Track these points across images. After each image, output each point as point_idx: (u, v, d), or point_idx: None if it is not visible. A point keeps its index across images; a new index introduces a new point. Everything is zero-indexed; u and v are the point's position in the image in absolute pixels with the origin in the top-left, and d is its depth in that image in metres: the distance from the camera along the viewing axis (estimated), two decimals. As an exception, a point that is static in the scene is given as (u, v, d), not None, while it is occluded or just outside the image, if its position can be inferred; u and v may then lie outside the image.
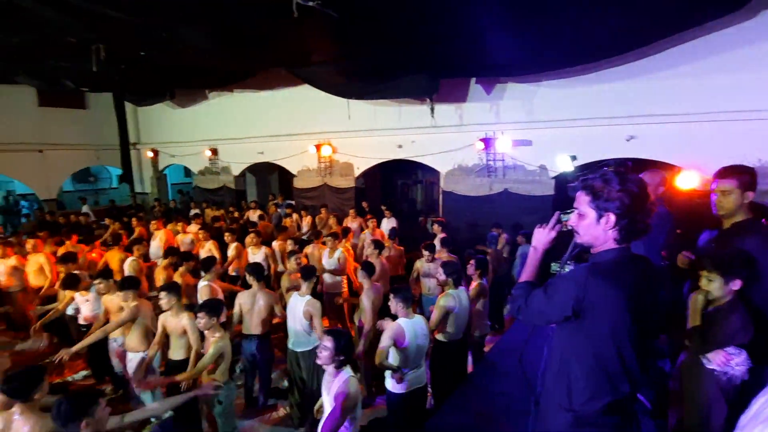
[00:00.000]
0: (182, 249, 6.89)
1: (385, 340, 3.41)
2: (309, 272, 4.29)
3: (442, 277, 4.15)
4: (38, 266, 6.19)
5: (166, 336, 4.08)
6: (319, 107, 10.60)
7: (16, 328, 6.48)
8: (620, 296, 1.52)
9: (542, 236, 1.85)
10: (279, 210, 10.92)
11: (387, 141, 10.09)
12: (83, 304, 4.92)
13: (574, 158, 6.98)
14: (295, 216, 9.59)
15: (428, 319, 3.89)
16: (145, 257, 6.66)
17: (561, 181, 8.12)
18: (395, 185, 14.44)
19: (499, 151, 8.57)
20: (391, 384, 3.52)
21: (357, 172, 10.85)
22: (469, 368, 4.68)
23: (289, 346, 4.32)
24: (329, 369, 2.66)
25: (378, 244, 5.77)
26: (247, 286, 4.61)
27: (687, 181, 6.40)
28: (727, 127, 6.52)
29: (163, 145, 14.47)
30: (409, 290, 3.67)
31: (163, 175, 15.46)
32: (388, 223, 8.40)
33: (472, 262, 4.70)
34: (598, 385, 1.58)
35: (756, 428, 1.08)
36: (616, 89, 7.39)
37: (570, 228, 1.74)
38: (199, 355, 3.74)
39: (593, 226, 1.60)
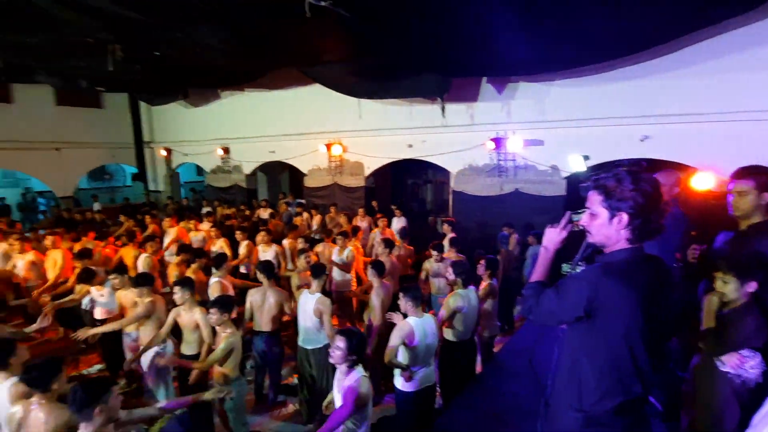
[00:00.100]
0: (194, 246, 6.98)
1: (394, 339, 3.42)
2: (319, 270, 4.33)
3: (452, 276, 4.15)
4: (56, 262, 6.33)
5: (178, 331, 4.15)
6: (329, 107, 10.64)
7: (34, 322, 6.62)
8: (632, 296, 1.50)
9: (553, 236, 1.84)
10: (290, 209, 11.00)
11: (397, 140, 10.10)
12: (99, 299, 5.02)
13: (586, 158, 6.90)
14: (305, 215, 9.65)
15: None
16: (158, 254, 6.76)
17: (573, 181, 8.04)
18: (405, 185, 14.44)
19: (510, 151, 8.53)
20: (400, 382, 3.53)
21: (367, 172, 10.88)
22: (478, 368, 4.66)
23: (300, 343, 4.36)
24: (341, 368, 2.69)
25: (388, 243, 5.79)
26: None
27: (702, 182, 6.29)
28: (744, 127, 6.40)
29: (176, 144, 14.66)
30: (418, 289, 3.68)
31: (176, 173, 15.67)
32: (398, 223, 8.41)
33: (482, 262, 4.68)
34: (610, 385, 1.57)
35: None
36: (630, 88, 7.30)
37: (581, 228, 1.72)
38: (210, 350, 3.80)
39: (605, 226, 1.59)
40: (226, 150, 13.14)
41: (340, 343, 2.62)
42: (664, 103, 7.03)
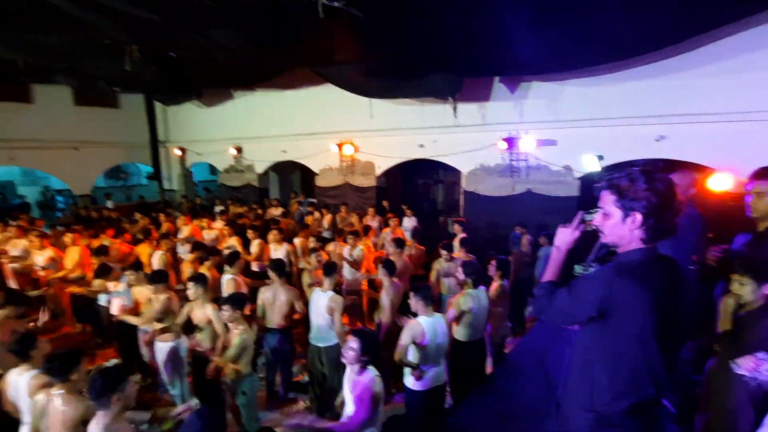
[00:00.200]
0: (207, 244, 7.08)
1: (404, 338, 3.44)
2: (331, 269, 4.36)
3: (461, 276, 4.14)
4: (74, 258, 6.48)
5: (190, 327, 4.22)
6: (341, 106, 10.69)
7: (53, 316, 6.79)
8: (646, 297, 1.49)
9: (565, 236, 1.83)
10: (301, 208, 11.08)
11: (409, 140, 10.10)
12: (115, 295, 5.12)
13: (600, 158, 6.84)
14: (316, 214, 9.71)
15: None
16: (172, 251, 6.89)
17: (586, 181, 7.96)
18: (416, 185, 14.43)
19: (522, 151, 8.47)
20: (410, 381, 3.54)
21: (378, 172, 10.90)
22: (489, 369, 4.64)
23: (311, 341, 4.39)
24: (354, 368, 2.71)
25: (399, 243, 5.79)
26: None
27: (719, 183, 6.17)
28: (762, 127, 6.26)
29: (190, 144, 14.88)
30: (429, 288, 3.68)
31: (190, 172, 15.90)
32: (408, 223, 8.42)
33: (493, 262, 4.65)
34: (622, 385, 1.56)
35: None
36: (645, 87, 7.19)
37: (594, 228, 1.71)
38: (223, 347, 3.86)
39: (619, 226, 1.58)
40: (239, 149, 13.29)
41: (354, 343, 2.64)
42: (680, 102, 6.91)
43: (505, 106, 8.71)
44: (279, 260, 4.85)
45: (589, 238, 1.83)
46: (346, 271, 6.13)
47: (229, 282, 4.92)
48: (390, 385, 4.73)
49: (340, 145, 10.89)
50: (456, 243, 6.13)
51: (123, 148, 14.71)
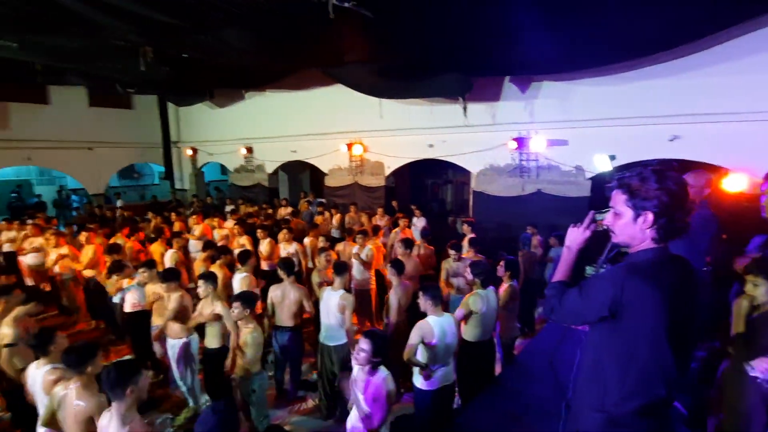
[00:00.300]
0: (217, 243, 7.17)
1: (413, 338, 3.44)
2: (341, 268, 4.39)
3: (470, 276, 4.13)
4: (89, 256, 6.61)
5: (201, 324, 4.28)
6: (351, 107, 10.73)
7: (68, 313, 6.95)
8: (658, 297, 1.48)
9: (576, 236, 1.82)
10: (311, 208, 11.14)
11: (418, 140, 10.10)
12: (129, 293, 5.21)
13: (612, 158, 6.75)
14: (326, 213, 9.76)
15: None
16: (185, 250, 6.98)
17: (597, 182, 7.88)
18: (425, 185, 14.42)
19: (532, 151, 8.42)
20: (419, 381, 3.54)
21: (387, 171, 10.92)
22: (498, 370, 4.63)
23: (321, 340, 4.42)
24: (365, 368, 2.73)
25: (408, 243, 5.79)
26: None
27: (734, 184, 6.07)
28: (779, 126, 6.14)
29: (201, 144, 15.06)
30: (438, 288, 3.68)
31: (201, 172, 16.09)
32: (418, 223, 8.42)
33: (501, 263, 4.63)
34: (633, 386, 1.55)
35: None
36: (658, 87, 7.10)
37: (605, 227, 1.70)
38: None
39: (630, 226, 1.57)
40: (250, 149, 13.41)
41: (365, 345, 2.66)
42: (694, 102, 6.81)
43: (516, 106, 8.67)
44: (288, 259, 4.89)
45: (600, 238, 1.82)
46: (356, 271, 6.16)
47: (243, 280, 4.97)
48: (399, 384, 4.74)
49: (349, 145, 10.93)
50: (465, 243, 6.12)
51: (136, 149, 14.94)
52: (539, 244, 6.89)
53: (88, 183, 13.87)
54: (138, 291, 5.03)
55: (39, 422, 2.90)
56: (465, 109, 8.50)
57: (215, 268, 5.39)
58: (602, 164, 6.97)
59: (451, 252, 5.57)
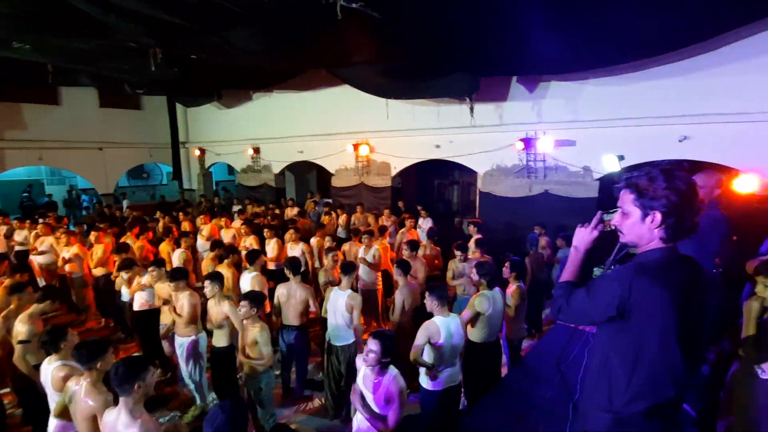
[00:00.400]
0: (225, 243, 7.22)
1: (420, 338, 3.44)
2: (348, 268, 4.41)
3: (476, 277, 4.11)
4: (99, 255, 6.69)
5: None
6: (357, 107, 10.76)
7: (78, 311, 7.03)
8: (666, 296, 1.47)
9: (584, 236, 1.81)
10: (317, 208, 11.19)
11: (425, 141, 10.10)
12: (138, 292, 5.26)
13: (621, 158, 6.69)
14: (332, 214, 9.80)
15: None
16: (192, 249, 7.04)
17: (605, 182, 7.82)
18: (431, 185, 14.39)
19: (540, 152, 8.38)
20: (425, 381, 3.54)
21: (394, 172, 10.92)
22: (504, 371, 4.61)
23: (328, 340, 4.43)
24: (374, 369, 2.73)
25: (413, 245, 5.78)
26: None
27: (745, 185, 5.99)
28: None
29: (209, 144, 15.18)
30: (444, 288, 3.68)
31: (209, 172, 16.21)
32: (424, 223, 8.41)
33: (507, 264, 4.61)
34: (641, 387, 1.54)
35: None
36: (668, 87, 7.03)
37: (613, 227, 1.69)
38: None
39: (638, 225, 1.56)
40: (257, 150, 13.50)
41: (374, 346, 2.67)
42: (704, 102, 6.73)
43: (523, 106, 8.63)
44: (295, 258, 4.91)
45: (608, 239, 1.81)
46: (362, 271, 6.17)
47: (254, 279, 4.99)
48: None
49: (356, 146, 10.95)
50: (471, 244, 6.10)
51: (145, 149, 15.11)
52: (547, 245, 6.85)
53: (98, 183, 14.04)
54: (148, 290, 5.09)
55: (51, 414, 2.95)
56: (472, 109, 8.48)
57: (223, 268, 5.43)
58: (611, 164, 6.91)
59: (457, 253, 5.56)
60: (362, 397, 2.78)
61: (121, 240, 7.10)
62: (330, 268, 5.58)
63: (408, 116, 10.20)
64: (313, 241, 7.16)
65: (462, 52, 6.34)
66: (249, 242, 7.07)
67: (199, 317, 4.36)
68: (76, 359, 2.73)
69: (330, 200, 12.10)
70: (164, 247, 7.01)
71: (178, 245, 6.81)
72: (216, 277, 4.27)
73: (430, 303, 3.55)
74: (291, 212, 10.40)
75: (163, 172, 18.61)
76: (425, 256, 6.13)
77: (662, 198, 1.49)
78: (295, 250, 6.73)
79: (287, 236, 6.96)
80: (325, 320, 4.53)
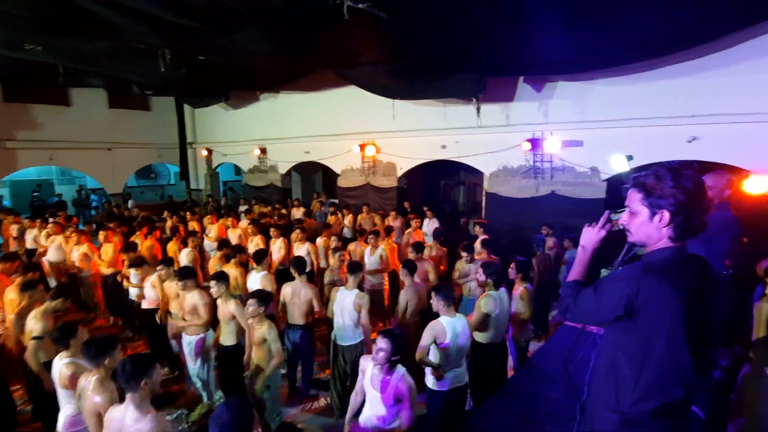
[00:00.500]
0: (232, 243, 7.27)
1: (426, 338, 3.44)
2: (355, 267, 4.42)
3: (482, 277, 4.09)
4: (108, 254, 6.77)
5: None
6: (363, 108, 10.78)
7: (87, 310, 7.11)
8: (675, 296, 1.46)
9: (591, 235, 1.79)
10: (323, 208, 11.22)
11: (431, 141, 10.09)
12: (147, 290, 5.32)
13: (630, 158, 6.62)
14: (338, 214, 9.82)
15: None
16: (199, 249, 7.10)
17: (613, 183, 7.76)
18: (437, 186, 14.38)
19: (547, 152, 8.33)
20: (431, 381, 3.54)
21: (400, 172, 10.92)
22: (510, 372, 4.59)
23: (334, 340, 4.44)
24: (382, 368, 2.74)
25: (418, 247, 5.77)
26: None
27: (756, 186, 5.91)
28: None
29: (216, 145, 15.28)
30: (450, 289, 3.67)
31: (216, 172, 16.33)
32: (430, 224, 8.40)
33: (512, 265, 4.58)
34: (649, 386, 1.53)
35: None
36: (677, 86, 6.96)
37: (621, 227, 1.68)
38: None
39: (646, 224, 1.55)
40: (263, 150, 13.57)
41: (384, 344, 2.67)
42: (713, 102, 6.66)
43: (530, 107, 8.60)
44: (300, 258, 4.92)
45: (616, 240, 1.79)
46: (368, 271, 6.17)
47: (263, 278, 5.01)
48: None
49: (362, 146, 10.97)
50: (477, 245, 6.08)
51: (153, 149, 15.25)
52: (554, 246, 6.80)
53: (107, 183, 14.20)
54: (151, 288, 5.14)
55: (61, 410, 2.99)
56: (478, 109, 8.47)
57: (230, 267, 5.47)
58: (619, 164, 6.85)
59: (463, 254, 5.55)
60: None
61: (131, 239, 7.18)
62: (336, 268, 5.60)
63: (414, 117, 10.19)
64: (319, 241, 7.19)
65: (469, 52, 6.32)
66: (256, 242, 7.11)
67: (211, 316, 4.38)
68: (85, 356, 2.77)
69: (336, 200, 12.12)
70: (171, 247, 7.07)
71: (185, 245, 6.87)
72: (222, 277, 4.29)
73: (436, 303, 3.55)
74: (297, 212, 10.44)
75: (170, 172, 18.78)
76: (431, 257, 6.12)
77: (670, 197, 1.48)
78: (300, 250, 6.75)
79: (293, 236, 7.00)
80: (331, 320, 4.53)
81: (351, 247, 6.81)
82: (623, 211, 1.66)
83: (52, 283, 7.26)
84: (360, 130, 11.13)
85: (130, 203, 13.61)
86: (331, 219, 9.55)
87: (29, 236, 8.38)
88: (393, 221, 8.68)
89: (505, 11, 4.76)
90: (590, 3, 4.68)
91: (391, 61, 7.23)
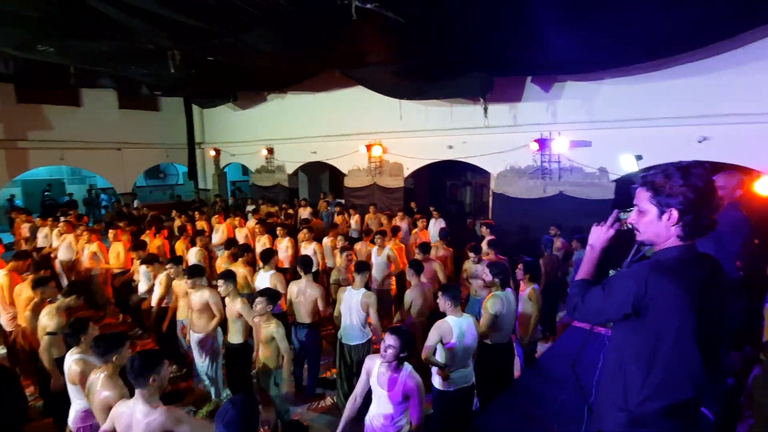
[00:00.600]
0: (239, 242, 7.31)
1: (432, 338, 3.44)
2: (362, 266, 4.43)
3: (488, 277, 4.08)
4: (118, 253, 6.85)
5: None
6: (370, 108, 10.79)
7: (97, 307, 7.20)
8: (684, 295, 1.45)
9: (600, 234, 1.79)
10: (329, 208, 11.26)
11: (438, 141, 10.07)
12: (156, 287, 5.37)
13: (639, 158, 6.55)
14: (345, 214, 9.84)
15: (477, 320, 3.85)
16: (207, 248, 7.15)
17: (622, 184, 7.70)
18: (444, 186, 14.35)
19: (554, 153, 8.28)
20: (438, 381, 3.54)
21: (407, 173, 10.92)
22: (517, 373, 4.57)
23: (341, 339, 4.46)
24: (390, 365, 2.74)
25: (425, 248, 5.77)
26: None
27: (768, 187, 5.82)
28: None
29: (224, 145, 15.39)
30: (457, 288, 3.67)
31: (224, 172, 16.44)
32: (436, 224, 8.39)
33: (520, 266, 4.56)
34: (657, 386, 1.52)
35: None
36: (687, 86, 6.88)
37: (629, 226, 1.67)
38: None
39: (654, 223, 1.54)
40: (270, 150, 13.64)
41: (393, 341, 2.69)
42: (724, 102, 6.57)
43: (538, 107, 8.55)
44: (307, 257, 4.94)
45: (625, 241, 1.78)
46: (376, 272, 6.18)
47: (273, 277, 5.04)
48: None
49: (368, 146, 10.99)
50: (484, 245, 6.07)
51: (162, 149, 15.41)
52: (562, 246, 6.76)
53: (117, 182, 14.37)
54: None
55: (72, 405, 3.03)
56: (486, 109, 8.43)
57: (238, 266, 5.51)
58: (629, 164, 6.78)
59: (471, 254, 5.53)
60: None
61: (141, 238, 7.25)
62: (344, 267, 5.61)
63: (421, 117, 10.19)
64: (326, 240, 7.21)
65: (477, 51, 6.31)
66: (263, 241, 7.15)
67: (222, 314, 4.42)
68: (94, 352, 2.81)
69: (342, 201, 12.15)
70: (179, 246, 7.14)
71: (193, 244, 6.93)
72: (229, 276, 4.33)
73: (443, 303, 3.55)
74: (304, 212, 10.49)
75: (179, 172, 18.94)
76: (438, 257, 6.12)
77: (679, 195, 1.47)
78: (307, 249, 6.78)
79: (301, 236, 7.04)
80: (337, 319, 4.55)
81: (357, 246, 6.83)
82: (632, 210, 1.65)
83: (64, 281, 7.37)
84: (367, 131, 11.14)
85: (135, 203, 13.76)
86: (338, 219, 9.58)
87: (41, 235, 8.51)
88: (400, 221, 8.69)
89: (513, 11, 4.75)
90: (598, 2, 4.64)
91: (399, 61, 7.23)
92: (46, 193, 15.20)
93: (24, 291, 4.70)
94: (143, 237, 7.34)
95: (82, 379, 2.96)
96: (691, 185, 1.46)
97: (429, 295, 4.74)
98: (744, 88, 6.41)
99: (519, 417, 3.35)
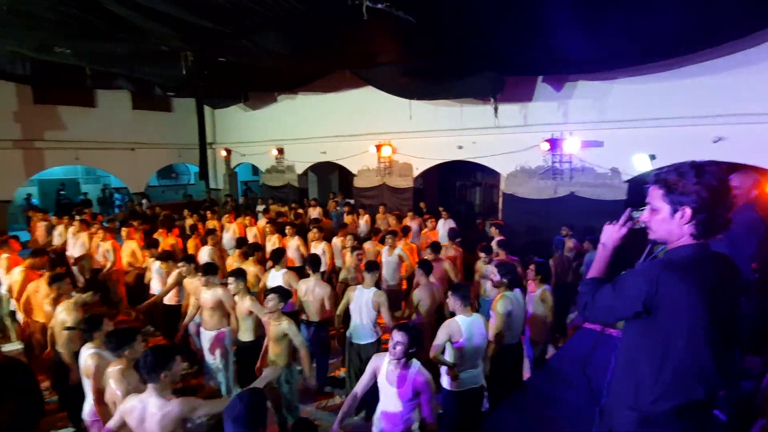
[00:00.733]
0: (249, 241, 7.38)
1: (440, 337, 3.44)
2: (372, 266, 4.46)
3: (497, 277, 4.07)
4: (131, 251, 6.95)
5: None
6: (380, 108, 10.80)
7: (111, 304, 7.31)
8: (697, 293, 1.43)
9: (612, 233, 1.76)
10: (338, 208, 11.29)
11: (447, 142, 10.05)
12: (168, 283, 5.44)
13: (653, 158, 6.47)
14: (354, 214, 9.87)
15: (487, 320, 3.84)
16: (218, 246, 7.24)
17: (634, 184, 7.60)
18: (453, 186, 14.29)
19: (566, 153, 8.21)
20: (446, 381, 3.53)
21: (416, 173, 10.91)
22: (527, 374, 4.54)
23: (350, 338, 4.47)
24: (399, 362, 2.75)
25: (435, 248, 5.77)
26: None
27: (786, 188, 5.70)
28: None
29: (235, 145, 15.53)
30: (467, 288, 3.67)
31: (235, 172, 16.58)
32: (445, 225, 8.37)
33: (531, 267, 4.53)
34: (668, 385, 1.50)
35: None
36: (700, 86, 6.77)
37: (642, 225, 1.66)
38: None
39: (667, 221, 1.52)
40: (281, 150, 13.72)
41: (401, 337, 2.70)
42: (739, 101, 6.45)
43: (549, 107, 8.49)
44: (316, 255, 4.97)
45: (638, 242, 1.76)
46: (385, 272, 6.19)
47: (285, 276, 5.07)
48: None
49: (378, 147, 10.99)
50: (493, 245, 6.04)
51: (174, 149, 15.58)
52: (574, 247, 6.69)
53: (130, 182, 14.59)
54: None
55: (86, 399, 3.09)
56: (496, 109, 8.37)
57: (248, 264, 5.56)
58: (642, 164, 6.71)
59: (482, 254, 5.52)
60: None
61: (153, 236, 7.36)
62: (353, 267, 5.63)
63: (431, 117, 10.17)
64: (335, 240, 7.24)
65: (488, 51, 6.28)
66: (273, 241, 7.21)
67: (233, 311, 4.46)
68: (107, 347, 2.87)
69: (351, 201, 12.18)
70: (190, 244, 7.23)
71: (204, 243, 7.01)
72: (240, 274, 4.37)
73: (453, 302, 3.55)
74: (314, 212, 10.54)
75: (191, 171, 19.16)
76: (447, 257, 6.10)
77: (692, 193, 1.45)
78: (317, 249, 6.82)
79: (311, 235, 7.08)
80: (347, 318, 4.57)
81: (366, 246, 6.84)
82: (644, 208, 1.64)
83: (78, 278, 7.50)
84: (376, 131, 11.15)
85: (144, 202, 13.96)
86: (347, 219, 9.61)
87: (56, 233, 8.67)
88: (410, 221, 8.69)
89: (524, 10, 4.72)
90: (610, 2, 4.60)
91: (409, 61, 7.23)
92: (61, 193, 15.49)
93: (41, 287, 4.80)
94: (155, 236, 7.44)
95: (97, 374, 3.02)
96: (705, 183, 1.44)
97: (438, 295, 4.73)
98: (761, 87, 6.29)
99: (529, 418, 3.33)
